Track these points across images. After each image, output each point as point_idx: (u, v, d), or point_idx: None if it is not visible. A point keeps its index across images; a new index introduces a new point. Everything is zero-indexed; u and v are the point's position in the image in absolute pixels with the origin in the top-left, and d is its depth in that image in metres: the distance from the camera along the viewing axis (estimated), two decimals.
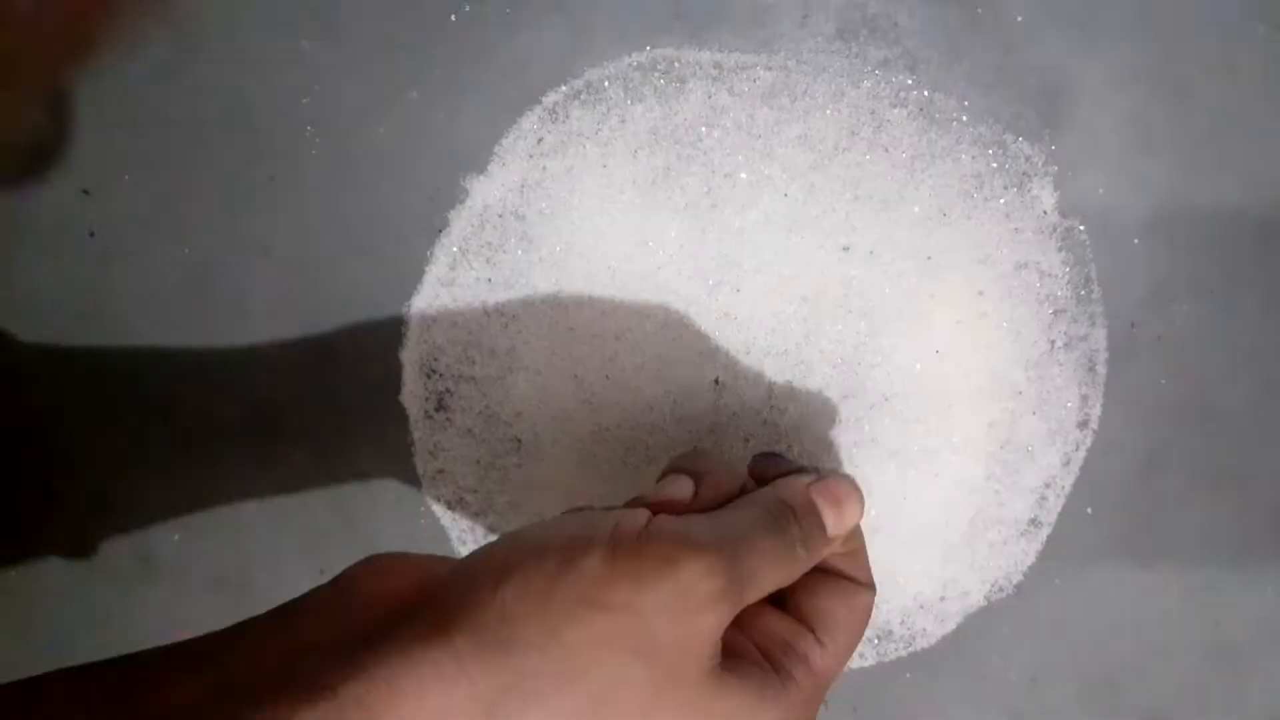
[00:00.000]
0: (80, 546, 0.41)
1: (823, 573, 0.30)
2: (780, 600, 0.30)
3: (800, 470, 0.31)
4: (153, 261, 0.39)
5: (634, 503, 0.30)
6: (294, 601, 0.26)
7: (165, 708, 0.23)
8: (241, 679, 0.24)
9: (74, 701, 0.24)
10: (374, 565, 0.27)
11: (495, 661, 0.23)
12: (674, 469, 0.31)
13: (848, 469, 0.38)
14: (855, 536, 0.31)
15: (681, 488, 0.30)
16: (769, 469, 0.32)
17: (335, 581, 0.27)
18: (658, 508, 0.28)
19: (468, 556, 0.27)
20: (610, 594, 0.24)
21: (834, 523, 0.29)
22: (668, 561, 0.25)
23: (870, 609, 0.30)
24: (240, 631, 0.26)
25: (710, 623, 0.25)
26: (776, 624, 0.29)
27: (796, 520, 0.29)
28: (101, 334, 0.40)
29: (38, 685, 0.24)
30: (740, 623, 0.27)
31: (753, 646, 0.28)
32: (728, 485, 0.31)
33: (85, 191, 0.39)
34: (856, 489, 0.30)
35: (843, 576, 0.30)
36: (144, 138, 0.38)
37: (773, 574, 0.27)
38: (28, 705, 0.24)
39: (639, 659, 0.24)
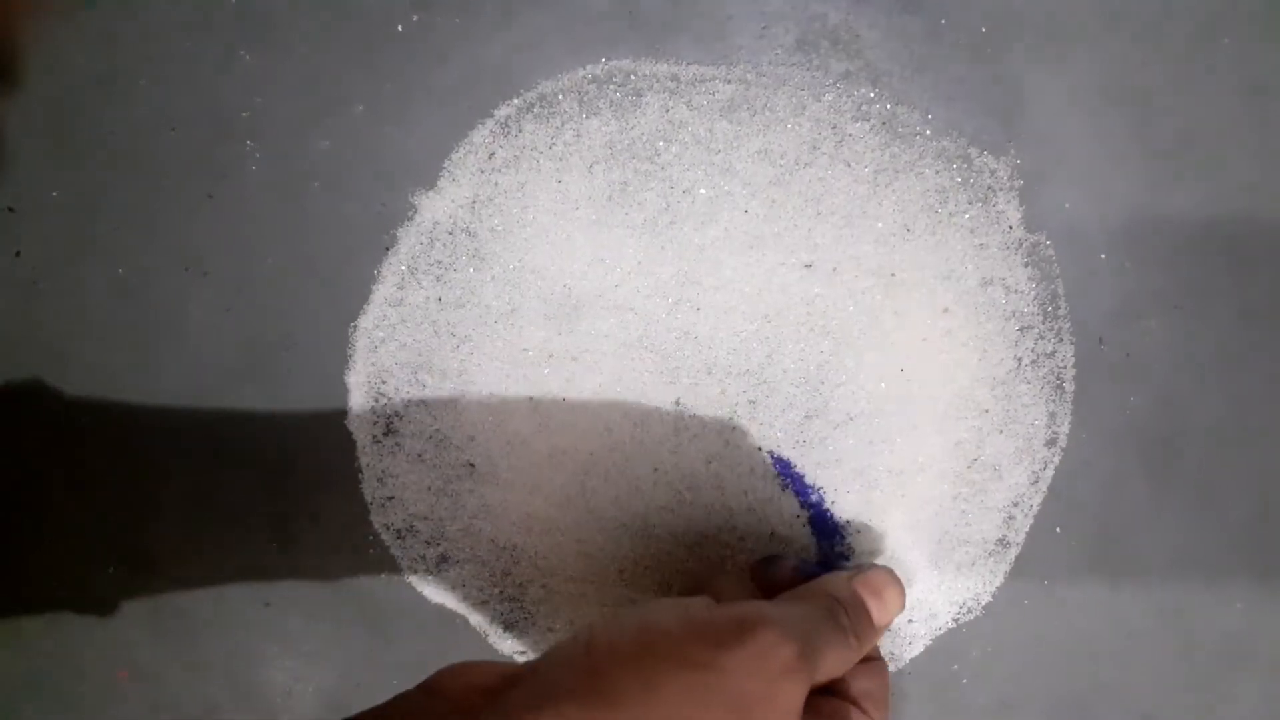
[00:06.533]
0: (9, 583, 0.39)
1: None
2: None
3: (803, 563, 0.35)
4: (83, 283, 0.38)
5: None
6: (380, 706, 0.27)
7: None
8: None
9: None
10: (457, 668, 0.28)
11: (602, 717, 0.24)
12: (687, 590, 0.34)
13: (812, 490, 0.37)
14: None
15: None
16: (778, 574, 0.35)
17: (421, 685, 0.27)
18: None
19: (545, 651, 0.28)
20: (694, 653, 0.26)
21: (879, 613, 0.32)
22: (741, 625, 0.27)
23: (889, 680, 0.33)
24: None
25: (792, 691, 0.26)
26: (829, 703, 0.30)
27: (845, 612, 0.31)
28: (28, 359, 0.38)
29: None
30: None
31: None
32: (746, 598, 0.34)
33: (10, 209, 0.38)
34: (896, 580, 0.33)
35: (866, 658, 0.33)
36: (73, 152, 0.37)
37: (833, 658, 0.29)
38: None
39: (733, 716, 0.25)
